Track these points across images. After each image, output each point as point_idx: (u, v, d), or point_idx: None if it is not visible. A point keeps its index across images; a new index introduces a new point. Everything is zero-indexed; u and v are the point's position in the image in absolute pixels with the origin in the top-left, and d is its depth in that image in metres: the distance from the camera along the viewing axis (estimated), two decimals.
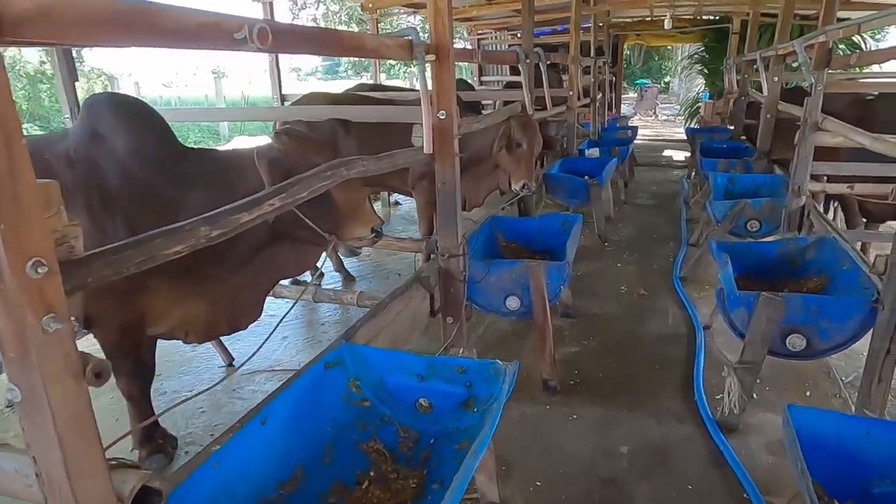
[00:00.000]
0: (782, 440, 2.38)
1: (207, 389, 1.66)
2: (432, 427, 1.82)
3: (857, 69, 9.21)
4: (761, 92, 6.34)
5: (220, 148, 3.39)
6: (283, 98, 4.69)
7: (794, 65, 4.41)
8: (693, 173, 7.87)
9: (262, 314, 2.31)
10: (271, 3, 4.55)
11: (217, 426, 2.62)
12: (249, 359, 2.05)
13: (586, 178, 5.49)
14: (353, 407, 1.83)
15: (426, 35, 2.29)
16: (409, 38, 2.08)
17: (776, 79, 5.06)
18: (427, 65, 2.35)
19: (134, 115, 1.96)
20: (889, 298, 2.11)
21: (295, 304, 2.20)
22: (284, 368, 3.09)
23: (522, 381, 2.89)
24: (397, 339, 2.33)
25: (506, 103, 4.36)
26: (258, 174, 1.94)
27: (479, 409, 1.77)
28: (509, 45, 9.88)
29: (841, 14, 7.96)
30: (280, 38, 1.41)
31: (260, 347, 1.92)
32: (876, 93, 4.27)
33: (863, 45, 9.00)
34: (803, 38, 3.29)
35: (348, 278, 4.40)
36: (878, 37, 10.84)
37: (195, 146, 2.31)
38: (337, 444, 1.74)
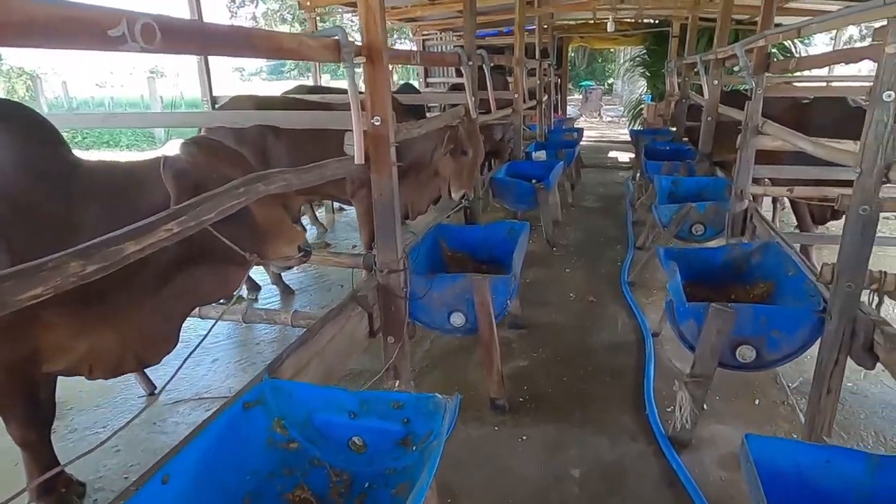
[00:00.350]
0: (735, 455, 2.32)
1: (123, 427, 1.45)
2: (367, 468, 1.64)
3: (791, 73, 9.59)
4: (702, 95, 6.46)
5: (155, 152, 3.12)
6: (213, 101, 4.40)
7: (735, 69, 4.45)
8: (638, 175, 7.96)
9: (191, 334, 2.07)
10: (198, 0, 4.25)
11: (133, 466, 2.36)
12: (165, 386, 1.84)
13: (533, 182, 5.44)
14: (278, 451, 1.64)
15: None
16: (336, 37, 1.89)
17: (716, 82, 5.11)
18: (360, 67, 2.17)
19: (13, 123, 1.70)
20: (836, 308, 2.07)
21: (215, 324, 1.98)
22: (213, 396, 2.84)
23: (470, 400, 2.75)
24: (332, 366, 2.14)
25: (451, 107, 4.22)
26: (165, 189, 1.72)
27: (419, 447, 1.60)
28: (454, 47, 9.78)
29: (776, 20, 8.24)
30: (172, 37, 1.21)
31: (176, 372, 1.72)
32: (811, 97, 4.35)
33: (794, 51, 9.34)
34: (744, 42, 3.28)
35: (287, 291, 4.16)
36: (806, 42, 11.31)
37: (96, 157, 2.05)
38: (258, 496, 1.54)
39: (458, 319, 2.58)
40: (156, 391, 2.85)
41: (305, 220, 5.90)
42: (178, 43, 1.23)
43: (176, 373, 1.75)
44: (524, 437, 2.48)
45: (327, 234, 5.73)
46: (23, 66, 15.15)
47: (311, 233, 5.77)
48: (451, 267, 3.35)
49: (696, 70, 6.97)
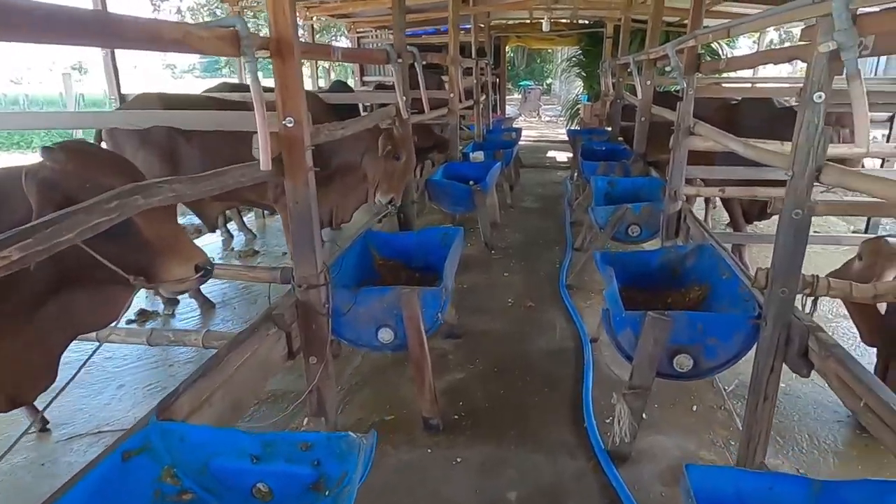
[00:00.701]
0: (674, 468, 2.25)
1: None
2: None
3: (720, 74, 9.89)
4: (636, 95, 6.53)
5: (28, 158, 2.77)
6: (122, 98, 4.03)
7: (667, 69, 4.46)
8: (575, 175, 8.00)
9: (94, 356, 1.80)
10: None
11: None
12: (42, 413, 1.58)
13: (471, 183, 5.32)
14: None
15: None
16: (234, 27, 1.68)
17: (648, 82, 5.13)
18: (269, 63, 1.96)
19: None
20: (771, 314, 2.02)
21: (99, 348, 1.72)
22: (115, 429, 2.55)
23: (402, 420, 2.58)
24: (243, 396, 1.92)
25: (381, 106, 4.03)
26: (29, 202, 1.46)
27: (332, 491, 1.41)
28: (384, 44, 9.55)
29: (704, 23, 8.48)
30: None
31: (52, 402, 1.47)
32: (739, 98, 4.42)
33: (721, 54, 9.65)
34: (675, 42, 3.25)
35: (207, 305, 3.86)
36: (732, 45, 11.73)
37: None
38: None
39: (386, 335, 2.40)
40: (49, 425, 2.54)
41: (232, 225, 5.57)
42: (7, 28, 0.99)
43: (50, 403, 1.51)
44: (458, 460, 2.32)
45: (257, 240, 5.41)
46: None
47: (239, 239, 5.44)
48: (383, 275, 3.16)
49: (629, 71, 7.09)
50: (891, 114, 4.39)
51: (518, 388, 2.85)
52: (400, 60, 3.55)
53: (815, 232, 4.82)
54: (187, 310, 3.85)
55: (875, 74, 12.75)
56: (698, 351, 2.19)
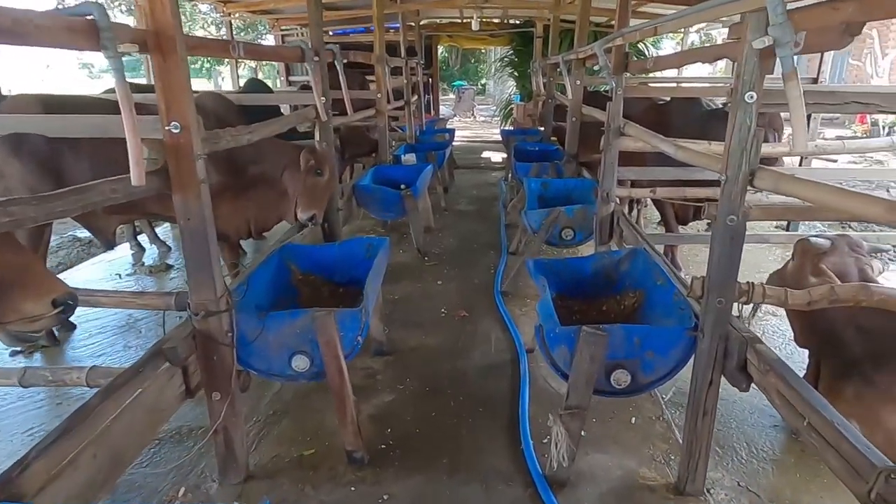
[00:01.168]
0: (615, 491, 2.13)
1: None
2: None
3: (647, 74, 10.11)
4: (566, 94, 6.51)
5: None
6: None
7: (595, 68, 4.41)
8: (510, 175, 7.93)
9: None
10: None
11: None
12: None
13: (402, 187, 5.11)
14: None
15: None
16: (90, 16, 1.40)
17: (578, 82, 5.08)
18: (148, 60, 1.69)
19: None
20: (708, 325, 1.93)
21: None
22: None
23: (325, 453, 2.35)
24: (124, 450, 1.64)
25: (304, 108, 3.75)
26: None
27: None
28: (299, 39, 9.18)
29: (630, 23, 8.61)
30: None
31: None
32: (668, 98, 4.42)
33: (647, 53, 9.86)
34: (603, 41, 3.17)
35: (67, 327, 3.46)
36: (656, 47, 12.04)
37: None
38: None
39: (300, 363, 2.16)
40: None
41: (143, 238, 5.12)
42: None
43: None
44: (385, 496, 2.11)
45: (172, 253, 5.00)
46: None
47: (153, 253, 5.01)
48: (302, 293, 2.91)
49: (559, 70, 7.08)
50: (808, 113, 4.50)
51: (451, 410, 2.67)
52: (317, 58, 3.30)
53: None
54: (82, 336, 3.45)
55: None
56: (636, 366, 2.08)
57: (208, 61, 21.20)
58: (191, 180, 1.83)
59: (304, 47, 3.19)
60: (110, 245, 3.59)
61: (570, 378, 2.08)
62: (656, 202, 4.15)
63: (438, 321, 3.60)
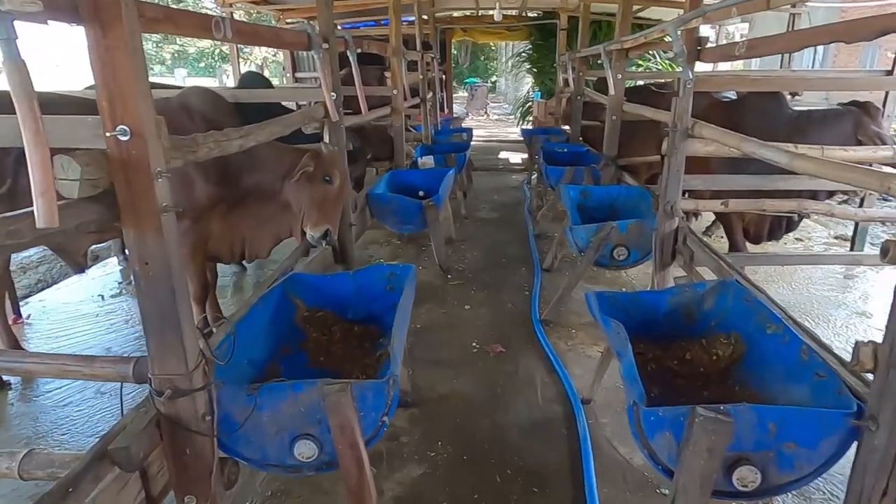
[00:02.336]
0: None
1: None
2: None
3: (670, 67, 9.47)
4: (597, 90, 5.93)
5: None
6: None
7: (639, 61, 3.84)
8: (534, 178, 7.36)
9: None
10: None
11: None
12: None
13: (420, 194, 4.57)
14: None
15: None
16: None
17: (620, 76, 4.51)
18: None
19: None
20: (887, 416, 1.35)
21: None
22: None
23: None
24: None
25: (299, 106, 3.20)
26: None
27: None
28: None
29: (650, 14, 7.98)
30: None
31: None
32: (732, 93, 3.83)
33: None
34: (678, 21, 2.58)
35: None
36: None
37: None
38: None
39: (306, 450, 1.60)
40: None
41: (112, 261, 4.59)
42: None
43: None
44: None
45: (127, 285, 4.45)
46: None
47: None
48: (309, 334, 2.35)
49: (590, 64, 6.50)
50: None
51: (496, 489, 2.10)
52: (326, 46, 2.74)
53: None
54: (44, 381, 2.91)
55: (813, 66, 12.72)
56: (769, 460, 1.50)
57: (213, 57, 20.65)
58: (148, 208, 1.28)
59: (310, 32, 2.62)
60: (80, 269, 3.05)
61: (677, 477, 1.51)
62: (722, 217, 3.55)
63: (470, 359, 3.03)
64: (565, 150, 6.02)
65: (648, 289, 3.28)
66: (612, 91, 4.44)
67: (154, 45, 18.57)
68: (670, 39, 2.60)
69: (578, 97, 6.35)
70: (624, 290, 3.88)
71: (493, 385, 2.77)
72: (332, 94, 2.93)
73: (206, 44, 18.61)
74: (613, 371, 2.46)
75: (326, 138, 3.02)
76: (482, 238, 5.17)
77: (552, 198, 5.28)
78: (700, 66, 3.04)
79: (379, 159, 5.07)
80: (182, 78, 15.74)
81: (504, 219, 5.87)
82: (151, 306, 1.35)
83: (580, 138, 6.45)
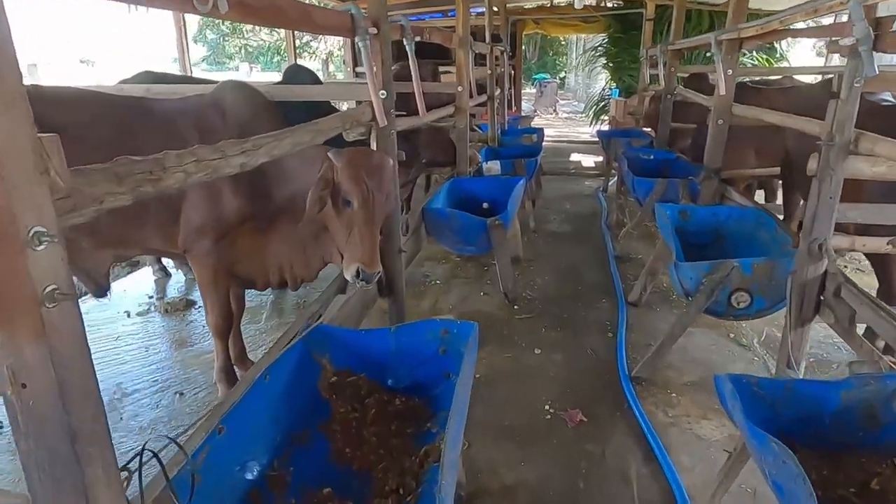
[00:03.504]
0: None
1: None
2: None
3: (769, 62, 8.40)
4: (687, 87, 5.13)
5: None
6: None
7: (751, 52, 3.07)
8: (611, 185, 6.60)
9: None
10: None
11: None
12: None
13: (485, 205, 3.98)
14: None
15: None
16: None
17: (731, 71, 3.72)
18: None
19: None
20: None
21: None
22: None
23: None
24: None
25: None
26: None
27: None
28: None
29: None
30: None
31: None
32: (889, 96, 3.00)
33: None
34: None
35: None
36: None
37: None
38: None
39: None
40: None
41: (146, 271, 4.20)
42: None
43: None
44: None
45: (196, 288, 4.05)
46: None
47: (178, 279, 4.09)
48: (336, 410, 1.79)
49: (684, 59, 5.68)
50: None
51: None
52: (374, 31, 2.17)
53: None
54: None
55: None
56: None
57: (280, 53, 20.50)
58: (17, 297, 0.73)
59: (354, 13, 2.05)
60: (102, 291, 2.62)
61: None
62: (876, 259, 2.73)
63: (542, 429, 2.39)
64: (651, 156, 5.24)
65: (779, 346, 2.54)
66: (721, 89, 3.67)
67: (221, 37, 18.75)
68: (849, 18, 1.86)
69: (669, 96, 5.53)
70: (732, 336, 3.14)
71: (572, 473, 2.13)
72: (382, 92, 2.36)
73: (272, 38, 18.58)
74: (743, 473, 1.78)
75: (374, 146, 2.46)
76: (554, 257, 4.49)
77: (638, 214, 4.55)
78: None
79: (438, 165, 4.48)
80: (246, 73, 15.69)
81: (578, 233, 5.17)
82: (37, 455, 0.80)
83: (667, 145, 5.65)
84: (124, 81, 3.67)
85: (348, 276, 1.92)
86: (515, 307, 3.57)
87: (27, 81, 0.93)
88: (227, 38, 18.56)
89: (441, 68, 5.26)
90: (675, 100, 5.53)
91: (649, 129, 6.82)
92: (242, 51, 18.99)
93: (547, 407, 2.53)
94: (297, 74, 3.48)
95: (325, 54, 16.87)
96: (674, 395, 2.61)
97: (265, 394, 1.59)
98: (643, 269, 3.67)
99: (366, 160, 1.97)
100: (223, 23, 16.75)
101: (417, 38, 2.68)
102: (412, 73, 2.69)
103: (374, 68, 2.17)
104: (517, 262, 4.28)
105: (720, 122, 3.88)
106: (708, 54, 3.82)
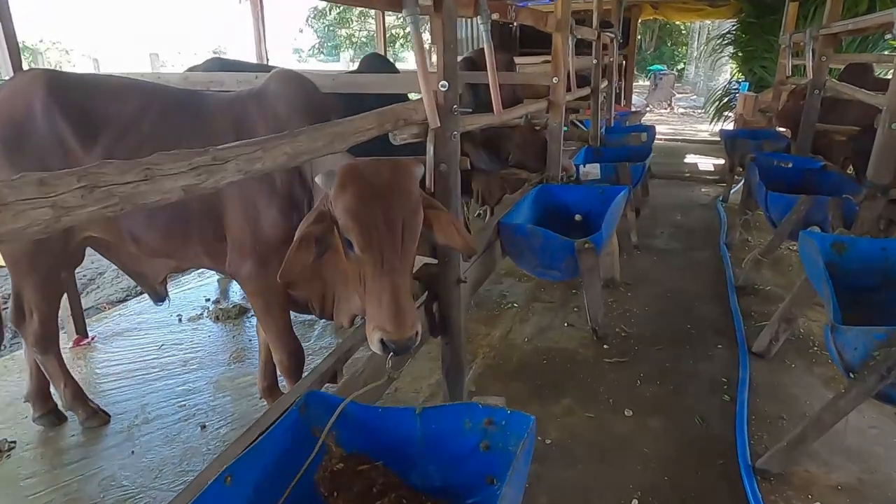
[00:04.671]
0: None
1: None
2: None
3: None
4: (842, 80, 4.15)
5: None
6: None
7: None
8: (732, 193, 5.67)
9: None
10: None
11: None
12: None
13: (577, 217, 3.41)
14: None
15: None
16: None
17: None
18: None
19: None
20: None
21: None
22: None
23: None
24: None
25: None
26: None
27: None
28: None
29: None
30: None
31: None
32: None
33: None
34: None
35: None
36: None
37: None
38: None
39: None
40: None
41: (207, 281, 3.95)
42: None
43: None
44: None
45: None
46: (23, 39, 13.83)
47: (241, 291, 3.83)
48: None
49: (841, 47, 4.67)
50: None
51: None
52: (428, 2, 1.66)
53: None
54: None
55: None
56: None
57: (387, 42, 20.37)
58: None
59: None
60: (160, 298, 2.39)
61: None
62: None
63: None
64: (790, 164, 4.32)
65: None
66: None
67: (326, 28, 19.02)
68: None
69: (817, 91, 4.55)
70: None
71: None
72: (443, 83, 1.85)
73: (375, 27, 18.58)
74: None
75: (430, 153, 1.96)
76: (658, 282, 3.77)
77: (770, 237, 3.72)
78: None
79: (528, 169, 3.88)
80: (346, 62, 15.73)
81: (690, 253, 4.37)
82: None
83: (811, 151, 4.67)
84: (192, 69, 3.45)
85: (372, 346, 1.41)
86: (605, 346, 2.94)
87: None
88: (330, 28, 18.80)
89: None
90: (825, 96, 4.54)
91: (784, 130, 5.81)
92: (348, 41, 19.18)
93: (635, 503, 1.92)
94: (373, 64, 3.04)
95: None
96: (810, 495, 1.90)
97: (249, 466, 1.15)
98: (774, 309, 2.91)
99: (366, 179, 1.39)
100: (329, 12, 16.94)
101: (495, 16, 2.13)
102: (487, 61, 2.16)
103: (426, 51, 1.67)
104: (612, 285, 3.63)
105: (894, 125, 2.99)
106: (888, 37, 2.91)
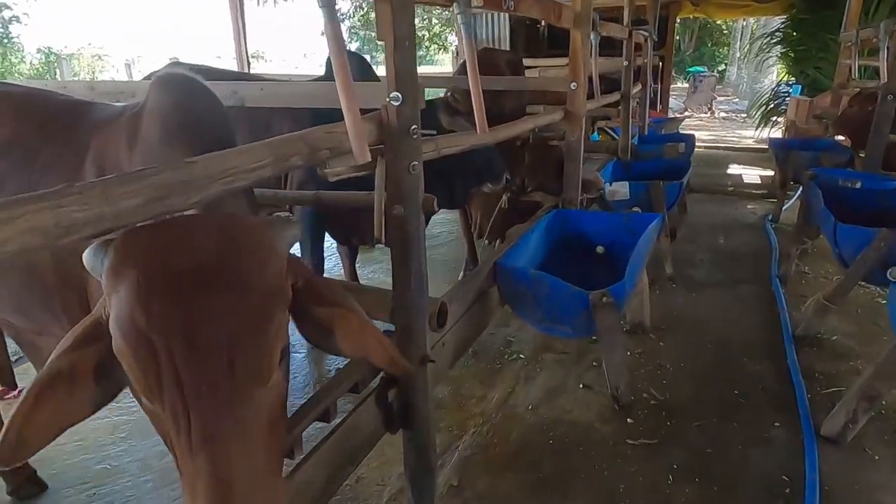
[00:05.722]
0: None
1: None
2: None
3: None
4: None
5: None
6: None
7: None
8: (784, 210, 4.97)
9: None
10: None
11: None
12: None
13: (599, 249, 2.85)
14: None
15: None
16: None
17: None
18: None
19: None
20: None
21: None
22: None
23: None
24: None
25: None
26: None
27: None
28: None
29: None
30: None
31: None
32: None
33: None
34: None
35: None
36: None
37: None
38: None
39: None
40: None
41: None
42: None
43: None
44: None
45: None
46: (50, 45, 13.84)
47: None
48: None
49: None
50: None
51: None
52: None
53: None
54: None
55: None
56: None
57: (434, 41, 19.34)
58: None
59: None
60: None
61: None
62: None
63: None
64: (859, 184, 3.62)
65: None
66: None
67: (349, 31, 18.66)
68: None
69: (891, 96, 3.84)
70: None
71: None
72: (395, 95, 1.31)
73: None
74: None
75: (380, 193, 1.41)
76: (696, 327, 3.14)
77: (841, 277, 3.05)
78: None
79: (551, 193, 3.28)
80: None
81: (736, 287, 3.70)
82: None
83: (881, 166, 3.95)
84: (150, 76, 2.99)
85: None
86: (629, 419, 2.34)
87: None
88: (353, 31, 18.42)
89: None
90: None
91: (844, 139, 5.07)
92: (372, 42, 18.78)
93: None
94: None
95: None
96: None
97: None
98: (843, 368, 2.28)
99: (162, 257, 0.79)
100: (353, 14, 16.55)
101: (478, 2, 1.57)
102: (467, 58, 1.61)
103: (330, 40, 1.12)
104: (642, 331, 3.02)
105: None
106: None
